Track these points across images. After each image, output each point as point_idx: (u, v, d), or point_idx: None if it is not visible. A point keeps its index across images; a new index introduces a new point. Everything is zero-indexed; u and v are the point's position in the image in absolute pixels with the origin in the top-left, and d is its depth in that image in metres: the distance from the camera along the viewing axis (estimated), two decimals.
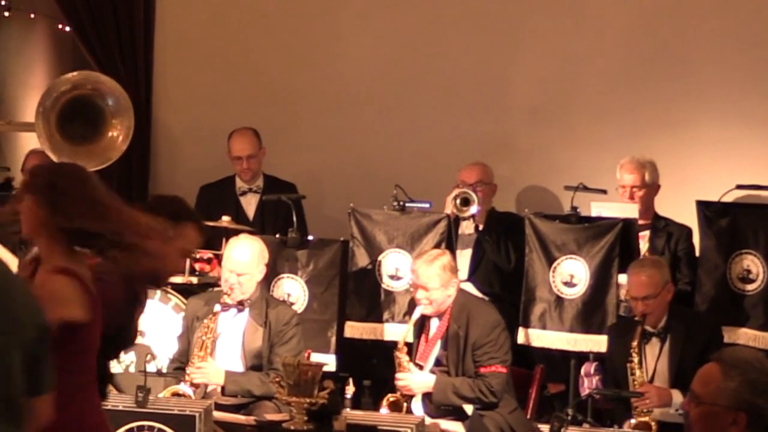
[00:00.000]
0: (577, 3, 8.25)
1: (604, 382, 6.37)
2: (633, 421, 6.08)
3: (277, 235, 7.17)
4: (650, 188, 7.28)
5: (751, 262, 6.76)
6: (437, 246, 6.87)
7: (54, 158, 7.84)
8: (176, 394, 6.10)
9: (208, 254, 7.26)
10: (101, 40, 8.73)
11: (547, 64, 8.24)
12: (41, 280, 3.69)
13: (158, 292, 6.96)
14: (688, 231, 7.21)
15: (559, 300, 6.78)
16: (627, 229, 6.74)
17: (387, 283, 7.07)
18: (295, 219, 7.24)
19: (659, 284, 6.24)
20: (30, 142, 8.30)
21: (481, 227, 7.36)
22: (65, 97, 7.75)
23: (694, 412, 3.42)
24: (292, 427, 5.52)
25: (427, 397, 6.35)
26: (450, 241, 6.97)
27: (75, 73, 7.99)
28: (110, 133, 7.83)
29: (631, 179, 7.25)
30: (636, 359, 6.16)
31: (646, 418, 6.05)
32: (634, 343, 6.16)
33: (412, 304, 6.54)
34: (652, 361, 6.24)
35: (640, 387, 6.10)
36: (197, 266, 7.24)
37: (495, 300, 7.04)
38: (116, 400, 5.41)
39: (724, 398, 3.36)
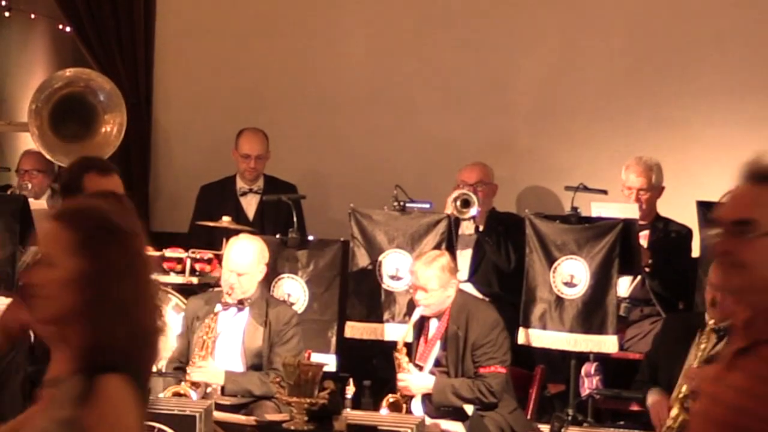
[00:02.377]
0: (577, 3, 8.25)
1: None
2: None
3: (278, 236, 7.17)
4: (656, 190, 7.28)
5: None
6: (438, 246, 6.86)
7: (49, 157, 7.84)
8: (177, 394, 6.10)
9: (208, 254, 7.26)
10: (101, 40, 8.74)
11: (547, 64, 8.24)
12: None
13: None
14: (688, 231, 7.21)
15: (560, 300, 6.77)
16: (627, 229, 6.73)
17: (387, 284, 7.06)
18: (295, 219, 7.24)
19: None
20: (30, 142, 8.30)
21: (481, 228, 7.36)
22: (57, 95, 7.74)
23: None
24: (292, 427, 5.53)
25: (426, 397, 6.34)
26: (450, 242, 6.96)
27: (68, 71, 7.99)
28: (103, 129, 7.83)
29: (638, 182, 7.24)
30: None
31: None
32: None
33: (412, 305, 6.53)
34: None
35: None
36: (197, 266, 7.24)
37: (495, 300, 7.04)
38: None
39: None
